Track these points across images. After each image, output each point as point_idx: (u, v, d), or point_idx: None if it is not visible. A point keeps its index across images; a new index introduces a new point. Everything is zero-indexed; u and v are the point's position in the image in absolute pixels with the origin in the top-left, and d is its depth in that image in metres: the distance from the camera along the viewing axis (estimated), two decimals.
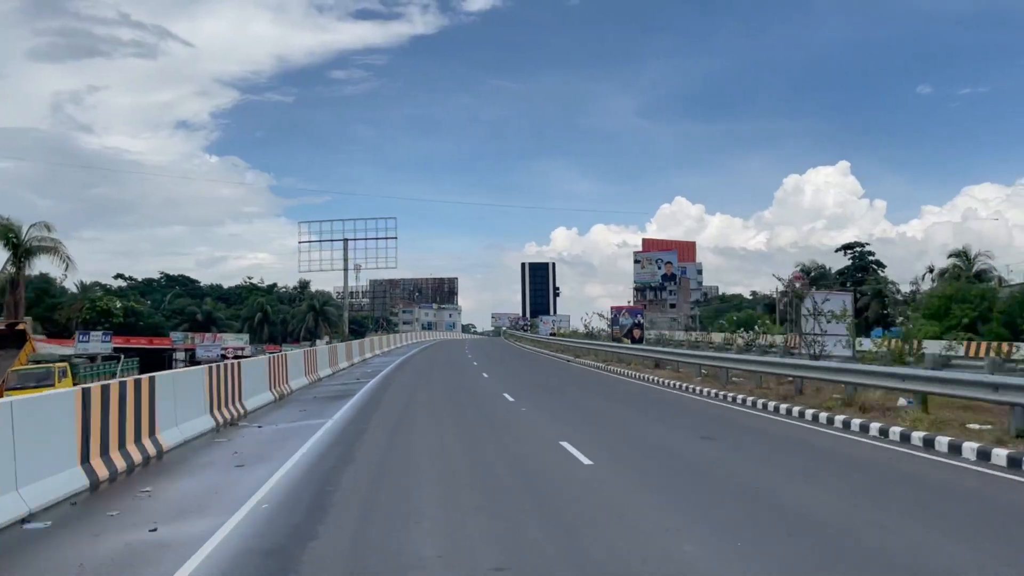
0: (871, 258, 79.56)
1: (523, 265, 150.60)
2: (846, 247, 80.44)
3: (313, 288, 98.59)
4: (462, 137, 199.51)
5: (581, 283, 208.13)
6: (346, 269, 73.19)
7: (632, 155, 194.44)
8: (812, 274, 79.65)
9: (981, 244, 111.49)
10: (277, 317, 79.51)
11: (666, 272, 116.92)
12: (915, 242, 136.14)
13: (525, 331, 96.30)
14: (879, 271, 77.73)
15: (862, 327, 46.86)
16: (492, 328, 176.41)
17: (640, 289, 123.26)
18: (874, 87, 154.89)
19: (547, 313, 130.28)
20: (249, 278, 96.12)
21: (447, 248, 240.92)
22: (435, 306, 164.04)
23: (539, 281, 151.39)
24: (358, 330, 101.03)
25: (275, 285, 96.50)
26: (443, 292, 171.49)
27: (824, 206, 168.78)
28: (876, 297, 66.88)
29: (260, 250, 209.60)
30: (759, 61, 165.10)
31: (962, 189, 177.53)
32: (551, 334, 73.64)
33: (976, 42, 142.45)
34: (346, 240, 73.22)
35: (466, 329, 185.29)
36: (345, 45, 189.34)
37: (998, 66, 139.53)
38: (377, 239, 72.59)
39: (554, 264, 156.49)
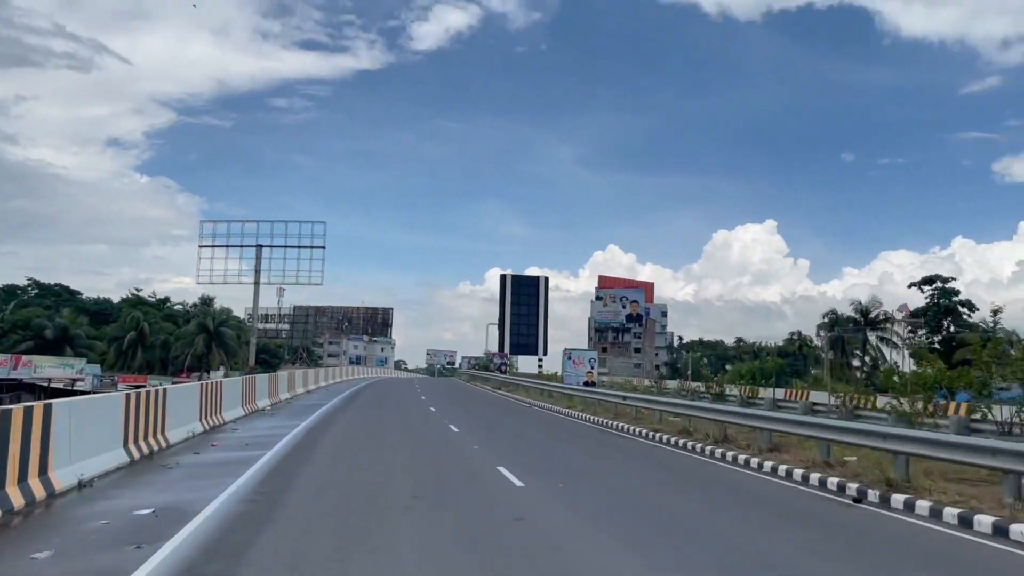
0: (956, 298, 63.62)
1: (503, 278, 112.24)
2: (926, 281, 64.32)
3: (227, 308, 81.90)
4: (401, 173, 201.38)
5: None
6: (257, 282, 57.43)
7: (569, 202, 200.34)
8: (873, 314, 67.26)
9: (896, 306, 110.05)
10: (156, 338, 62.21)
11: (631, 312, 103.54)
12: (834, 301, 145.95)
13: (502, 372, 75.68)
14: (968, 314, 62.48)
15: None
16: (426, 366, 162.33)
17: (600, 330, 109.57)
18: (802, 152, 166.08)
19: (535, 348, 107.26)
20: (137, 289, 77.43)
21: (379, 283, 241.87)
22: (366, 338, 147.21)
23: (525, 302, 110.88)
24: (270, 361, 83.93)
25: (167, 300, 78.17)
26: (376, 323, 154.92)
27: (750, 262, 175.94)
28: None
29: (186, 274, 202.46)
30: (696, 120, 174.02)
31: (880, 253, 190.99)
32: (586, 383, 45.76)
33: (896, 116, 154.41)
34: (260, 247, 57.56)
35: (398, 366, 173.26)
36: (289, 74, 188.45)
37: (915, 140, 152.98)
38: (300, 247, 57.28)
39: (547, 280, 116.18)
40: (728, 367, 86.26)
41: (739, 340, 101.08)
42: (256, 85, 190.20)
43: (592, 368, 50.40)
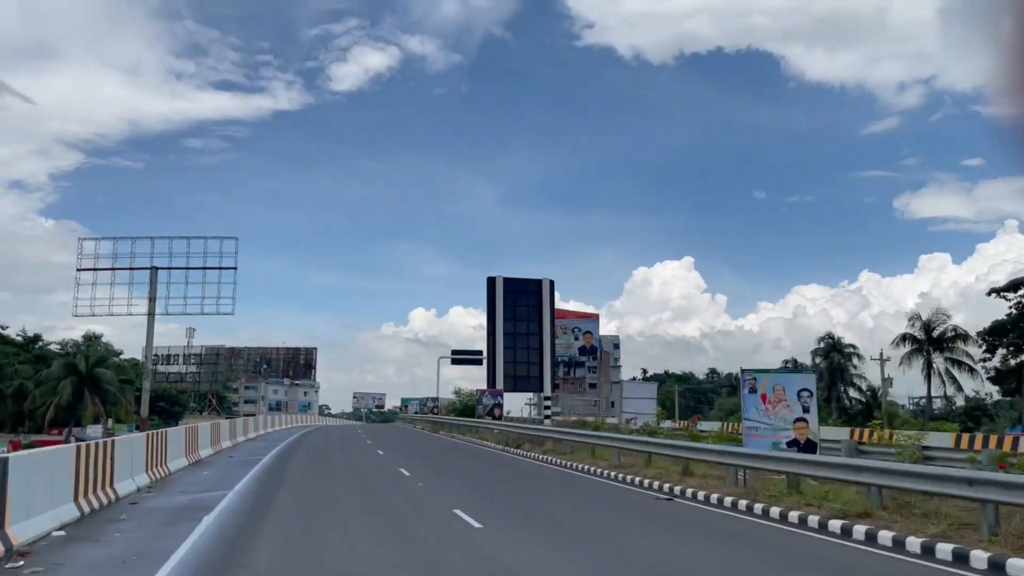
0: None
1: (491, 281, 71.13)
2: (1012, 287, 50.48)
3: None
4: (321, 215, 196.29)
5: (436, 365, 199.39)
6: (152, 312, 45.29)
7: (490, 241, 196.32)
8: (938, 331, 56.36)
9: (809, 339, 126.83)
10: (8, 385, 48.14)
11: (585, 344, 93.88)
12: (751, 335, 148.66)
13: (495, 416, 55.34)
14: None
15: None
16: (352, 410, 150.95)
17: (554, 363, 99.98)
18: (716, 190, 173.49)
19: (539, 382, 76.13)
20: (3, 327, 62.61)
21: (299, 326, 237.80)
22: (287, 382, 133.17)
23: (522, 310, 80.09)
24: (169, 410, 70.10)
25: (38, 338, 62.97)
26: (298, 365, 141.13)
27: (670, 298, 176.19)
28: None
29: (96, 322, 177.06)
30: (614, 160, 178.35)
31: (793, 287, 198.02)
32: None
33: (803, 156, 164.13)
34: (155, 268, 45.53)
35: (322, 411, 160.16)
36: (203, 114, 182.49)
37: (821, 179, 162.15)
38: (207, 268, 45.44)
39: (551, 284, 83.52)
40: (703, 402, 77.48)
41: (712, 371, 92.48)
42: (169, 126, 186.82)
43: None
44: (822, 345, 64.95)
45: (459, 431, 50.42)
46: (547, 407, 78.12)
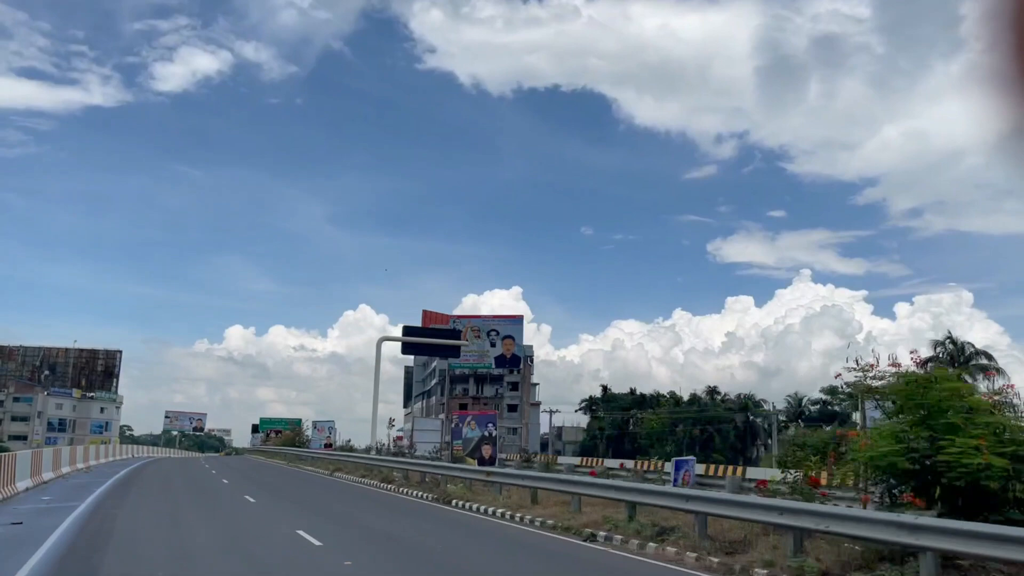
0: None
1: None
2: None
3: None
4: (133, 221, 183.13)
5: (252, 386, 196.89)
6: None
7: (318, 260, 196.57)
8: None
9: (627, 371, 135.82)
10: None
11: (504, 352, 73.58)
12: (573, 365, 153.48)
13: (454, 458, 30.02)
14: None
15: None
16: (162, 432, 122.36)
17: (460, 377, 77.85)
18: (546, 223, 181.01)
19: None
20: None
21: (100, 338, 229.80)
22: (76, 393, 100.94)
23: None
24: None
25: None
26: (94, 373, 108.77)
27: None
28: None
29: None
30: (447, 188, 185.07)
31: (613, 322, 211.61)
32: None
33: (628, 196, 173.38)
34: None
35: (123, 433, 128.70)
36: (2, 102, 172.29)
37: (643, 219, 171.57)
38: None
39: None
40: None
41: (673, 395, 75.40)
42: None
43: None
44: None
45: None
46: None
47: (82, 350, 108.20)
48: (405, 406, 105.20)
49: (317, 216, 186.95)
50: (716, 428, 62.73)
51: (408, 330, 44.46)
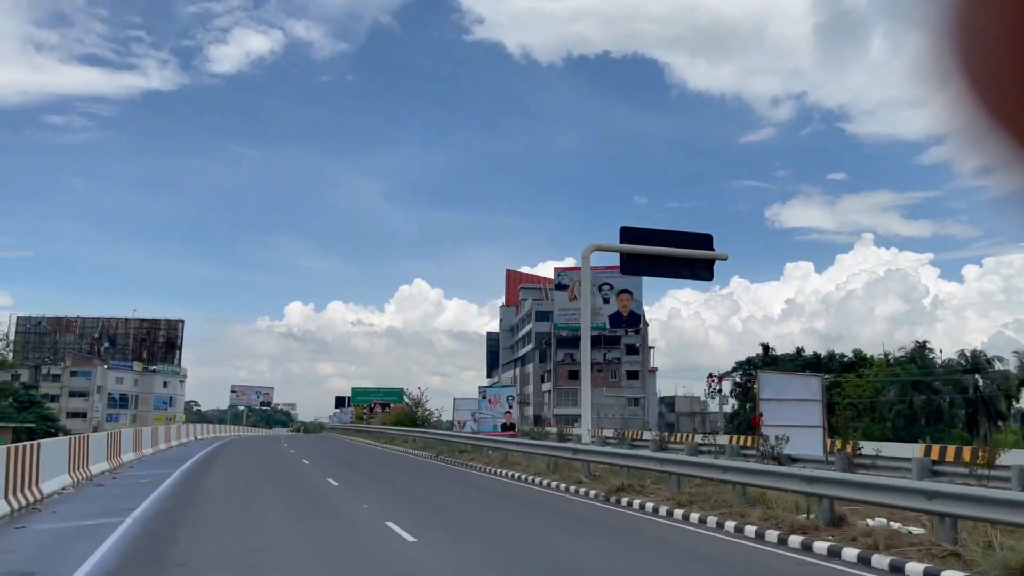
0: None
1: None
2: None
3: None
4: (192, 202, 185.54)
5: (312, 361, 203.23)
6: None
7: (372, 236, 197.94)
8: None
9: (683, 341, 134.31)
10: None
11: (620, 310, 62.60)
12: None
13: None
14: None
15: None
16: (228, 406, 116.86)
17: (565, 340, 66.92)
18: (598, 193, 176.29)
19: None
20: None
21: (164, 317, 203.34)
22: (138, 366, 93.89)
23: None
24: None
25: None
26: (156, 345, 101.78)
27: None
28: None
29: None
30: (496, 159, 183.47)
31: (668, 291, 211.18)
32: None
33: (682, 163, 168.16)
34: None
35: (189, 409, 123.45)
36: (66, 89, 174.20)
37: (698, 186, 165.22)
38: None
39: None
40: None
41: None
42: (27, 100, 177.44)
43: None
44: None
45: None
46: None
47: (143, 320, 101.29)
48: (489, 376, 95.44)
49: (371, 192, 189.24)
50: (940, 397, 48.93)
51: (629, 234, 29.70)
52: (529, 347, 73.63)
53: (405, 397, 52.44)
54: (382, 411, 51.79)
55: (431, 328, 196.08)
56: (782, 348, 64.76)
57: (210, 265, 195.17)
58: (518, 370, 77.38)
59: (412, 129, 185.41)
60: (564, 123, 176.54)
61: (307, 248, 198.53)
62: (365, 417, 60.14)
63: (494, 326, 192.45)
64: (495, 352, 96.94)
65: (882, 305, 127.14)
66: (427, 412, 46.41)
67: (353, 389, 74.47)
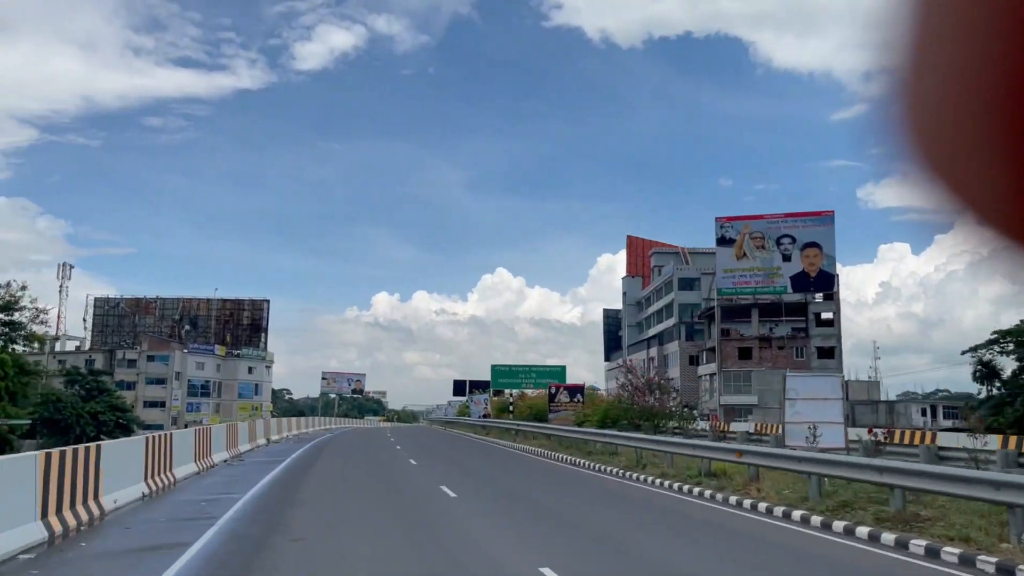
0: None
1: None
2: None
3: None
4: (283, 196, 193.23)
5: (398, 349, 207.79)
6: None
7: (455, 226, 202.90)
8: None
9: None
10: None
11: (806, 268, 48.30)
12: None
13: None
14: None
15: None
16: (320, 394, 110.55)
17: (730, 307, 52.79)
18: (682, 176, 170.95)
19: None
20: None
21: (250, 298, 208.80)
22: (220, 350, 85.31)
23: None
24: None
25: None
26: (240, 327, 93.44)
27: None
28: None
29: (47, 301, 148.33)
30: (578, 146, 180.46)
31: None
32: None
33: (769, 144, 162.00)
34: None
35: (278, 396, 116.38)
36: (162, 92, 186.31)
37: (786, 167, 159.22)
38: None
39: None
40: None
41: None
42: (127, 103, 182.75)
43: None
44: None
45: None
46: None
47: (225, 300, 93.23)
48: (607, 359, 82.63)
49: (454, 182, 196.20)
50: None
51: None
52: (670, 322, 60.56)
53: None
54: (570, 400, 38.09)
55: (513, 316, 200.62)
56: (877, 334, 50.92)
57: (299, 256, 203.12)
58: (655, 350, 64.27)
59: (493, 118, 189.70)
60: (646, 106, 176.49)
61: (392, 239, 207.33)
62: (512, 408, 47.09)
63: (576, 314, 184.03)
64: (613, 332, 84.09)
65: (987, 286, 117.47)
66: (675, 398, 31.01)
67: (494, 368, 59.66)
